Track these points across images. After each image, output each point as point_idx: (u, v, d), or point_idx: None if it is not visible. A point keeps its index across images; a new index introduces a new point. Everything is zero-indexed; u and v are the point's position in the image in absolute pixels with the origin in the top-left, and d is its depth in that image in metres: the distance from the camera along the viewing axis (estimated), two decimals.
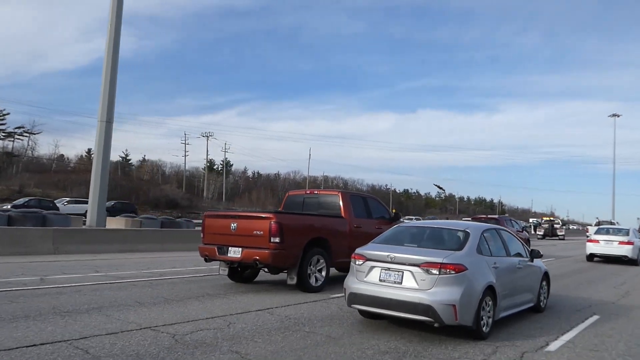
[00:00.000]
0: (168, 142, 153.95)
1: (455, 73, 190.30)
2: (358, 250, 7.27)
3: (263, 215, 9.62)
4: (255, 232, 9.32)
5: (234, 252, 9.59)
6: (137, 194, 60.34)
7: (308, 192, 12.50)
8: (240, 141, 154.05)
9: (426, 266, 6.41)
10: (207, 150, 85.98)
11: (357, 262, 7.10)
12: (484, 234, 7.47)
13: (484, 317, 6.71)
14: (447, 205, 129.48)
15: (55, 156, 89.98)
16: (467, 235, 7.21)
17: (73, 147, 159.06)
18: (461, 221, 10.97)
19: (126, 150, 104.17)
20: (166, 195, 64.33)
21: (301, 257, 9.56)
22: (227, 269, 10.43)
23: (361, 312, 7.53)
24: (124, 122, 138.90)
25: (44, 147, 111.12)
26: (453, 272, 6.33)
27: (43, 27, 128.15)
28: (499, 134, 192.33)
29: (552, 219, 56.86)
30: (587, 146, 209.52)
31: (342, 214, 11.03)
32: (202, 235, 10.38)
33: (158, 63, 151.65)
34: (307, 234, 9.81)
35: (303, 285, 9.70)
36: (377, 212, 12.16)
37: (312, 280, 9.85)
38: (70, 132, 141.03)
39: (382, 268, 6.75)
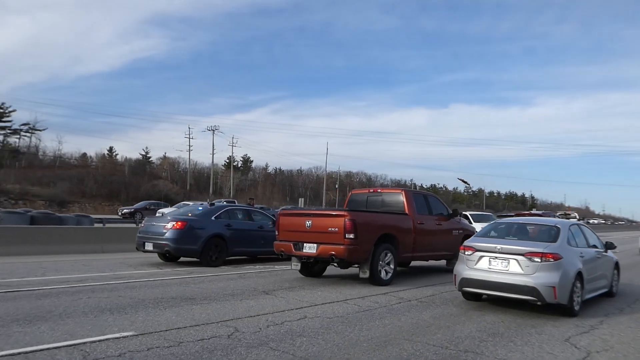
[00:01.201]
0: (203, 141, 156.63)
1: (489, 66, 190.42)
2: (467, 243, 8.84)
3: (337, 213, 10.37)
4: (330, 229, 10.09)
5: (310, 248, 10.37)
6: (126, 190, 61.17)
7: (371, 190, 13.06)
8: (274, 138, 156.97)
9: (530, 255, 7.94)
10: (213, 145, 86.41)
11: (466, 253, 8.65)
12: (570, 228, 8.96)
13: (575, 298, 8.22)
14: (473, 200, 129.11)
15: (78, 155, 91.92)
16: (558, 229, 8.68)
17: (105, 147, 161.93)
18: (548, 218, 12.81)
19: (146, 147, 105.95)
20: (159, 191, 64.88)
21: (372, 252, 10.33)
22: (299, 264, 11.22)
23: (465, 295, 9.11)
24: (159, 122, 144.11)
25: (48, 143, 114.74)
26: (552, 260, 7.88)
27: (81, 32, 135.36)
28: (533, 128, 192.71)
29: (567, 212, 56.54)
30: (626, 139, 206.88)
31: (406, 211, 11.70)
32: (276, 233, 11.25)
33: (192, 63, 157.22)
34: (378, 231, 10.55)
35: (374, 279, 10.44)
36: (437, 208, 12.83)
37: (382, 274, 10.62)
38: (107, 133, 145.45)
39: (490, 257, 8.28)
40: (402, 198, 11.90)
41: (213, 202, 14.01)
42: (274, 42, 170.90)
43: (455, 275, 8.82)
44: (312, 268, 11.64)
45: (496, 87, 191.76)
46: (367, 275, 10.36)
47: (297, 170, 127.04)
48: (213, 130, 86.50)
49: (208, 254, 12.70)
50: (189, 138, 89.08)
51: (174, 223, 12.46)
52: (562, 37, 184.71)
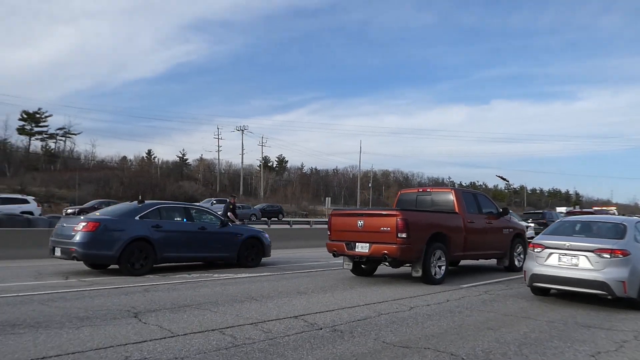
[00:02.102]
0: (238, 143, 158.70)
1: (531, 61, 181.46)
2: (536, 240, 9.21)
3: (389, 212, 10.41)
4: (382, 228, 10.20)
5: (362, 248, 10.50)
6: (153, 191, 60.64)
7: (420, 190, 13.17)
8: (312, 138, 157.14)
9: (599, 251, 8.25)
10: (242, 145, 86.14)
11: (535, 250, 9.00)
12: (637, 225, 9.08)
13: None
14: (514, 198, 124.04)
15: (118, 158, 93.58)
16: (625, 227, 8.90)
17: (156, 151, 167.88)
18: (614, 216, 12.86)
19: (183, 150, 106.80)
20: (185, 192, 63.92)
21: (424, 251, 10.37)
22: (351, 264, 11.48)
23: (534, 290, 9.45)
24: (200, 124, 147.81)
25: (81, 147, 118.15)
26: (621, 256, 8.16)
27: (124, 39, 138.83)
28: (577, 122, 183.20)
29: (603, 208, 52.52)
30: None
31: (456, 210, 11.74)
32: (328, 233, 11.37)
33: (231, 66, 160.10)
34: (429, 230, 10.62)
35: (427, 278, 10.48)
36: (486, 207, 12.87)
37: (435, 273, 10.65)
38: (150, 137, 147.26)
39: (560, 254, 8.63)
40: (451, 197, 11.99)
41: (143, 199, 11.74)
42: (311, 43, 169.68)
43: (525, 271, 9.21)
44: (364, 267, 11.78)
45: (538, 81, 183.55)
46: (419, 274, 10.42)
47: (333, 169, 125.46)
48: (242, 130, 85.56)
49: (129, 261, 10.60)
50: (218, 139, 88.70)
51: (85, 224, 10.42)
52: (606, 29, 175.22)
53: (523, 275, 9.32)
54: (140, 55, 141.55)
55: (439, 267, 10.74)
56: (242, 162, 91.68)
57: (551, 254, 8.70)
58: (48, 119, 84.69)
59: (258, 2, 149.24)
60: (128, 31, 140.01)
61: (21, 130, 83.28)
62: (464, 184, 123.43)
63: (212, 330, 6.15)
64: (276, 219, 48.78)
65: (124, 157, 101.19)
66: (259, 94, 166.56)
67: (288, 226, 31.84)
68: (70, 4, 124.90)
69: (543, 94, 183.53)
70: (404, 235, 9.91)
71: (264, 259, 13.53)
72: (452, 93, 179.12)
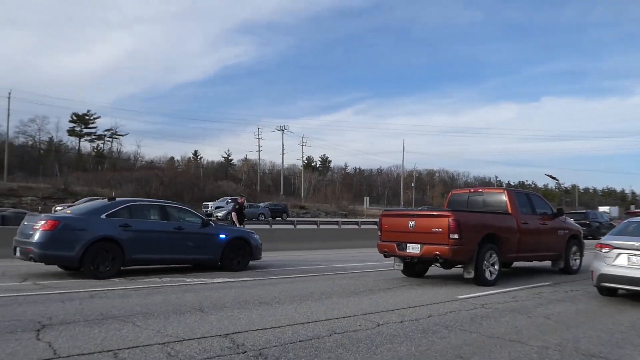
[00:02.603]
0: (287, 143, 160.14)
1: (583, 55, 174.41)
2: (603, 241, 9.14)
3: (441, 213, 10.34)
4: (433, 229, 10.07)
5: (413, 248, 10.35)
6: (192, 191, 60.78)
7: (472, 190, 13.06)
8: (358, 138, 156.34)
9: None
10: (283, 145, 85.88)
11: (603, 250, 8.88)
12: None
13: None
14: (564, 197, 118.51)
15: (166, 159, 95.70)
16: None
17: (205, 152, 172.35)
18: None
19: (228, 150, 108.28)
20: (223, 192, 63.65)
21: (476, 252, 10.19)
22: (402, 265, 11.30)
23: (601, 290, 9.31)
24: (248, 125, 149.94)
25: (128, 148, 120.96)
26: None
27: (175, 43, 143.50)
28: (633, 118, 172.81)
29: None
30: None
31: (509, 211, 11.49)
32: (379, 234, 11.25)
33: (278, 68, 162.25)
34: (481, 230, 10.45)
35: (479, 279, 10.29)
36: (541, 207, 12.54)
37: (487, 274, 10.46)
38: (200, 138, 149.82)
39: (629, 254, 8.53)
40: (504, 197, 11.76)
41: (114, 196, 10.86)
42: (356, 43, 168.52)
43: (592, 271, 9.11)
44: (415, 268, 11.56)
45: (591, 77, 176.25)
46: (471, 275, 10.25)
47: (377, 169, 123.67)
48: (282, 130, 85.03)
49: (92, 263, 9.69)
50: (259, 139, 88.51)
51: (43, 222, 9.57)
52: None
53: (590, 276, 9.29)
54: (190, 59, 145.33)
55: (492, 268, 10.58)
56: (283, 161, 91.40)
57: (620, 254, 8.67)
58: (96, 120, 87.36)
59: (303, 3, 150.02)
60: (179, 35, 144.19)
61: (71, 132, 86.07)
62: (512, 184, 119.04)
63: (109, 351, 5.03)
64: (280, 218, 47.35)
65: (172, 158, 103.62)
66: (305, 95, 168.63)
67: (292, 226, 30.27)
68: (124, 11, 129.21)
69: (596, 89, 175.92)
70: (456, 236, 9.80)
71: (254, 262, 12.44)
72: (500, 90, 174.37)
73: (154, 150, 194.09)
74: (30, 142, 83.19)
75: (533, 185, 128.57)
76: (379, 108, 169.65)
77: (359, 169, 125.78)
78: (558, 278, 11.97)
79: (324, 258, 15.81)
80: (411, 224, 10.44)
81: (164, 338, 5.54)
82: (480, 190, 12.75)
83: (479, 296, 9.00)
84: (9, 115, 62.24)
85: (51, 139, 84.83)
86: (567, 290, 10.14)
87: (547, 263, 13.16)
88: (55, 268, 10.78)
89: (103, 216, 10.13)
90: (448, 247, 9.84)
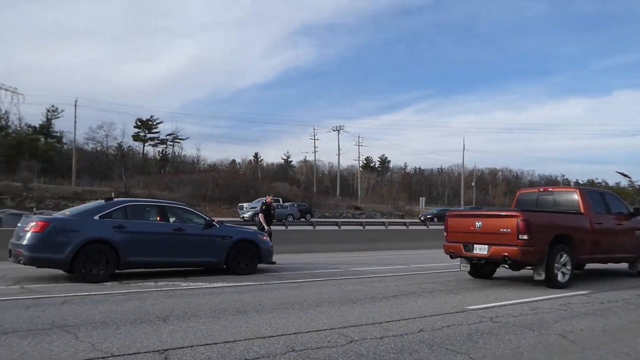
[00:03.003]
0: (343, 144, 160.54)
1: None
2: None
3: (510, 213, 10.04)
4: (501, 229, 9.84)
5: (480, 249, 10.17)
6: (247, 193, 60.83)
7: (541, 189, 12.70)
8: (419, 137, 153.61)
9: None
10: (339, 145, 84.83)
11: None
12: None
13: None
14: (638, 197, 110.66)
15: (228, 161, 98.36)
16: None
17: (266, 154, 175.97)
18: None
19: (287, 152, 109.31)
20: (278, 193, 63.18)
21: (547, 253, 9.89)
22: (468, 266, 11.11)
23: None
24: (308, 126, 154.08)
25: (190, 151, 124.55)
26: None
27: (237, 48, 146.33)
28: None
29: None
30: None
31: (582, 211, 11.05)
32: (445, 234, 11.11)
33: (338, 69, 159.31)
34: (552, 231, 10.11)
35: (550, 281, 9.96)
36: (616, 207, 12.00)
37: (559, 277, 10.10)
38: (262, 141, 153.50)
39: None
40: (576, 197, 11.35)
41: (112, 196, 10.50)
42: (417, 41, 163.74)
43: None
44: (482, 269, 11.36)
45: None
46: (542, 277, 9.92)
47: (438, 169, 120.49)
48: (338, 130, 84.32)
49: (84, 266, 9.29)
50: (314, 139, 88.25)
51: (34, 224, 9.28)
52: None
53: None
54: (251, 63, 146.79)
55: (564, 269, 10.20)
56: (339, 162, 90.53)
57: None
58: (159, 125, 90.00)
59: (363, 3, 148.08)
60: (240, 40, 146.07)
61: (136, 137, 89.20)
62: (580, 182, 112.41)
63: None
64: (304, 219, 45.91)
65: (233, 161, 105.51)
66: (365, 95, 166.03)
67: (311, 227, 29.26)
68: (188, 19, 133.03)
69: None
70: (525, 237, 9.51)
71: (266, 266, 11.77)
72: (568, 85, 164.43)
73: (216, 153, 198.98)
74: (98, 148, 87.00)
75: (604, 184, 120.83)
76: (440, 107, 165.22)
77: (419, 168, 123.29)
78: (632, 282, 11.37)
79: (348, 261, 14.90)
80: (478, 224, 10.24)
81: (90, 353, 4.91)
82: (550, 190, 12.36)
83: (492, 307, 7.88)
84: (75, 122, 65.24)
85: (120, 144, 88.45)
86: (603, 301, 8.78)
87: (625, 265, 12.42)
88: (56, 271, 10.53)
89: (96, 217, 9.74)
90: (517, 249, 9.59)
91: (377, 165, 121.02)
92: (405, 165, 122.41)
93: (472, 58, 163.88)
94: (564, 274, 10.17)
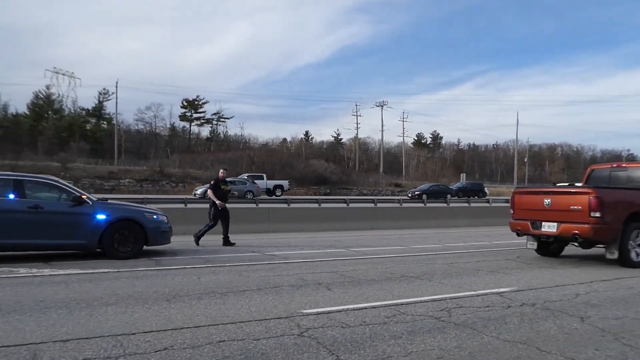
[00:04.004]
0: (393, 123, 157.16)
1: None
2: None
3: (581, 190, 9.72)
4: (572, 207, 9.49)
5: (549, 227, 9.86)
6: (283, 170, 59.43)
7: (614, 165, 12.22)
8: (478, 113, 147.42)
9: None
10: (382, 121, 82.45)
11: None
12: None
13: None
14: None
15: (279, 140, 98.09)
16: None
17: (321, 133, 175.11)
18: None
19: (337, 130, 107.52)
20: (314, 170, 61.24)
21: (621, 231, 9.42)
22: (535, 243, 10.74)
23: None
24: (365, 103, 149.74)
25: (240, 130, 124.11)
26: None
27: (292, 28, 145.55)
28: None
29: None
30: None
31: None
32: (511, 211, 10.83)
33: (394, 45, 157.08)
34: (627, 208, 9.62)
35: (624, 260, 9.52)
36: None
37: (633, 256, 9.63)
38: (319, 119, 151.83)
39: None
40: None
41: None
42: (476, 15, 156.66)
43: None
44: (550, 247, 10.98)
45: None
46: (615, 256, 9.48)
47: (493, 145, 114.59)
48: (381, 106, 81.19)
49: None
50: (357, 116, 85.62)
51: None
52: None
53: None
54: (307, 42, 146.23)
55: (638, 250, 9.69)
56: (382, 138, 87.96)
57: None
58: (204, 105, 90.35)
59: None
60: (296, 20, 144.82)
61: (182, 117, 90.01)
62: None
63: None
64: (274, 196, 43.33)
65: (284, 139, 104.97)
66: (422, 71, 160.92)
67: (285, 205, 26.60)
68: (245, 0, 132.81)
69: None
70: (597, 214, 9.14)
71: (161, 248, 10.07)
72: (638, 56, 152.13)
73: (269, 132, 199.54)
74: (148, 129, 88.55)
75: None
76: (500, 81, 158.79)
77: (473, 144, 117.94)
78: None
79: (304, 242, 12.99)
80: (547, 201, 9.90)
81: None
82: (624, 165, 12.00)
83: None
84: (116, 103, 66.12)
85: (173, 124, 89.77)
86: None
87: None
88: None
89: None
90: (589, 226, 9.21)
91: (428, 142, 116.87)
92: (459, 142, 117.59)
93: (535, 30, 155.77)
94: (638, 253, 9.67)
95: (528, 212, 10.33)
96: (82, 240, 9.07)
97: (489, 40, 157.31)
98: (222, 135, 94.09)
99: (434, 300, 6.32)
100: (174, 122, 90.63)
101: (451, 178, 72.80)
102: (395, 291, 6.84)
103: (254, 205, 23.56)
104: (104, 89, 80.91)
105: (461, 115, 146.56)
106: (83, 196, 9.22)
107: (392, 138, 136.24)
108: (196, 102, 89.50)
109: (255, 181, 44.69)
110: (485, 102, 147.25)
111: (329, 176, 61.11)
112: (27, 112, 79.03)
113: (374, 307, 5.86)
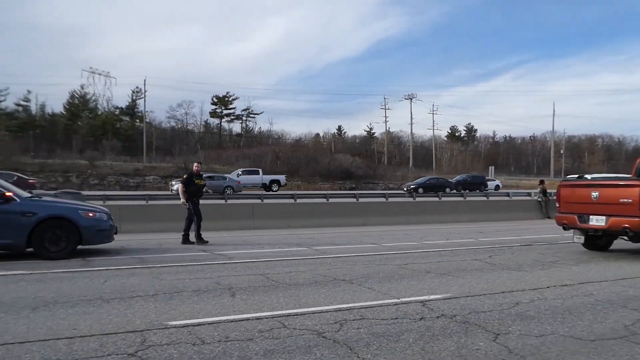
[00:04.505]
0: (423, 116, 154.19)
1: None
2: None
3: (632, 182, 9.44)
4: (621, 200, 9.16)
5: (597, 221, 9.61)
6: (308, 165, 58.95)
7: None
8: (516, 105, 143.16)
9: None
10: (411, 114, 79.68)
11: None
12: None
13: None
14: None
15: (311, 135, 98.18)
16: None
17: (355, 128, 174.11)
18: None
19: (370, 124, 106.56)
20: (340, 165, 60.03)
21: None
22: (582, 237, 10.37)
23: None
24: (399, 98, 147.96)
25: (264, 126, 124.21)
26: None
27: (327, 23, 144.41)
28: None
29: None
30: None
31: None
32: (557, 205, 10.65)
33: (430, 37, 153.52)
34: None
35: None
36: None
37: None
38: (354, 114, 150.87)
39: None
40: None
41: None
42: (515, 4, 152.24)
43: None
44: (597, 241, 10.70)
45: None
46: None
47: (530, 137, 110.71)
48: (410, 99, 79.38)
49: None
50: (385, 109, 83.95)
51: None
52: None
53: None
54: (342, 36, 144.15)
55: None
56: (412, 131, 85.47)
57: None
58: (234, 101, 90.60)
59: None
60: (330, 14, 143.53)
61: (212, 114, 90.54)
62: None
63: None
64: (272, 191, 42.08)
65: (317, 135, 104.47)
66: (459, 63, 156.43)
67: (259, 200, 25.81)
68: None
69: None
70: None
71: (109, 246, 9.63)
72: None
73: (303, 128, 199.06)
74: (179, 126, 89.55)
75: None
76: (541, 71, 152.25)
77: (509, 137, 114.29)
78: None
79: (270, 240, 12.31)
80: (594, 194, 9.68)
81: None
82: None
83: None
84: (145, 100, 66.99)
85: (207, 121, 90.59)
86: None
87: None
88: None
89: None
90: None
91: (462, 135, 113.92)
92: (494, 134, 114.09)
93: (577, 18, 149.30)
94: None
95: (575, 206, 10.09)
96: (7, 240, 8.58)
97: (528, 29, 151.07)
98: (255, 131, 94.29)
99: (337, 310, 5.49)
100: (207, 120, 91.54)
101: (482, 171, 70.55)
102: (303, 299, 6.02)
103: (239, 201, 23.14)
104: (137, 87, 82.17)
105: (499, 108, 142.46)
106: (8, 193, 8.73)
107: (426, 131, 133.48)
108: (226, 99, 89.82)
109: (240, 175, 43.50)
110: (524, 93, 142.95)
111: (355, 170, 60.05)
112: (64, 112, 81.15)
113: (257, 319, 5.09)
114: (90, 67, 77.13)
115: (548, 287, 6.84)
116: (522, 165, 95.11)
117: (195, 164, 12.84)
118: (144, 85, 66.65)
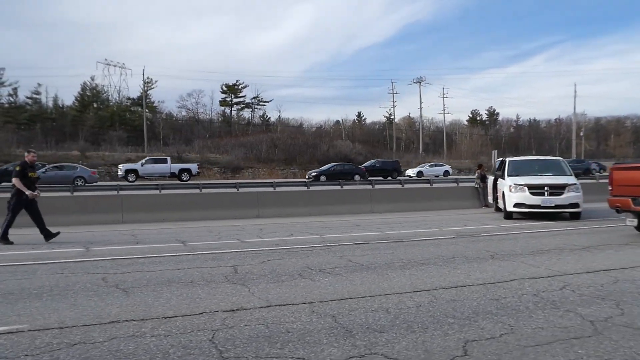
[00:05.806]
0: (468, 101, 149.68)
1: None
2: None
3: None
4: None
5: None
6: (307, 153, 57.21)
7: None
8: (548, 87, 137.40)
9: None
10: (420, 98, 76.67)
11: None
12: None
13: None
14: None
15: (331, 122, 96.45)
16: None
17: (374, 114, 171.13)
18: None
19: (389, 109, 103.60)
20: (339, 152, 57.68)
21: None
22: (635, 220, 10.18)
23: None
24: (428, 82, 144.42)
25: (291, 113, 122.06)
26: None
27: (355, 9, 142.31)
28: None
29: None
30: None
31: None
32: (609, 188, 10.50)
33: (459, 20, 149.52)
34: None
35: None
36: None
37: None
38: (379, 100, 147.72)
39: None
40: None
41: None
42: None
43: None
44: None
45: None
46: None
47: (555, 119, 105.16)
48: (419, 82, 76.01)
49: None
50: (393, 94, 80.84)
51: None
52: None
53: None
54: (370, 23, 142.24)
55: None
56: (421, 116, 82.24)
57: None
58: (244, 89, 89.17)
59: None
60: (357, 2, 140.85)
61: (222, 102, 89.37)
62: None
63: None
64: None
65: (337, 122, 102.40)
66: (490, 46, 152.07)
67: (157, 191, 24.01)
68: None
69: None
70: None
71: None
72: None
73: (326, 115, 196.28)
74: (190, 115, 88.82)
75: None
76: (575, 52, 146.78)
77: (534, 120, 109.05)
78: None
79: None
80: None
81: None
82: None
83: None
84: (145, 89, 66.07)
85: (224, 111, 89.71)
86: None
87: None
88: None
89: None
90: None
91: (484, 119, 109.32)
92: (517, 118, 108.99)
93: None
94: None
95: (629, 189, 9.92)
96: None
97: (561, 8, 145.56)
98: (272, 120, 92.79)
99: None
100: (223, 109, 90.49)
101: (502, 155, 67.02)
102: None
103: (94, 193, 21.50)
104: (148, 77, 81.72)
105: (527, 90, 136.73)
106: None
107: (446, 116, 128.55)
108: (235, 87, 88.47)
109: (144, 164, 39.91)
110: (556, 74, 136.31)
111: (355, 157, 57.71)
112: (75, 104, 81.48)
113: None
114: (106, 59, 76.96)
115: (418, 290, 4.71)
116: (544, 149, 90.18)
117: (30, 154, 10.92)
118: (143, 73, 65.64)
